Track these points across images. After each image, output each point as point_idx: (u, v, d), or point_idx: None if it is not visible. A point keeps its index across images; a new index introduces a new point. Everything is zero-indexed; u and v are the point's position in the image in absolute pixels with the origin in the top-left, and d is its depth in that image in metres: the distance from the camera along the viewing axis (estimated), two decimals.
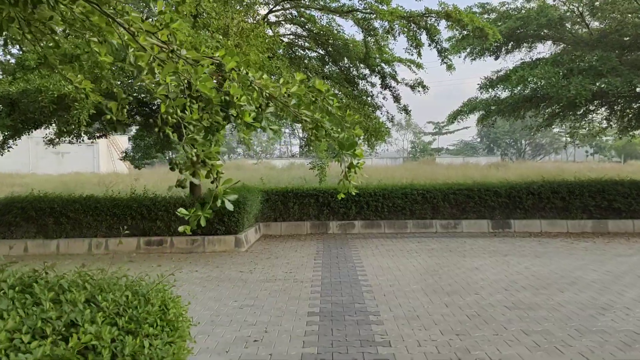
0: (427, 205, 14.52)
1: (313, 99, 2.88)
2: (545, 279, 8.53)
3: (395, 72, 14.74)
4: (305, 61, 14.47)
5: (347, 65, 14.73)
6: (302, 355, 5.24)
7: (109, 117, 2.39)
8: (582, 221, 14.16)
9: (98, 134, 13.33)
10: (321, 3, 13.28)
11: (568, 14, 15.60)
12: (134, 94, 11.02)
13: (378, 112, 14.95)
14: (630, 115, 16.28)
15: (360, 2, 12.81)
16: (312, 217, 14.60)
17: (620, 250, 11.21)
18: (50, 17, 2.76)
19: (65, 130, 11.01)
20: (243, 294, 7.83)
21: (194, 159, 2.17)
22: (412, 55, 13.58)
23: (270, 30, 12.68)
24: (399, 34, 12.90)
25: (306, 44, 14.86)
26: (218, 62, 2.57)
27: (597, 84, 13.53)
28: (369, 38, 13.60)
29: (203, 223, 2.25)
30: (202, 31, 9.01)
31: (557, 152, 76.20)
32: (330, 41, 13.93)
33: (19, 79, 8.46)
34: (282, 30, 14.96)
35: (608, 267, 9.44)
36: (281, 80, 2.80)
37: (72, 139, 12.57)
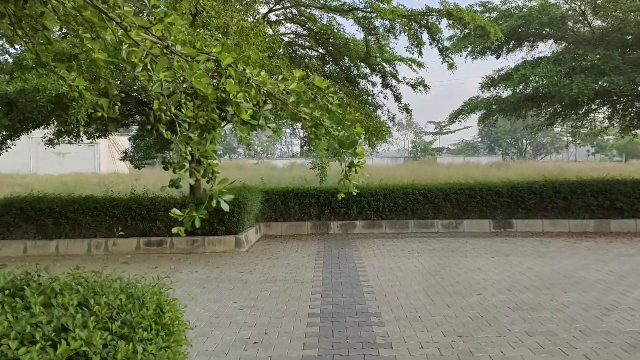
0: (428, 205, 14.45)
1: (312, 97, 2.80)
2: (548, 279, 8.45)
3: (396, 71, 14.69)
4: (306, 60, 14.40)
5: (347, 65, 14.66)
6: (303, 357, 5.17)
7: (99, 114, 2.31)
8: (584, 221, 14.07)
9: (97, 134, 13.26)
10: (321, 2, 13.20)
11: (570, 12, 15.52)
12: (134, 94, 10.95)
13: (379, 112, 14.90)
14: (632, 114, 16.19)
15: (360, 0, 12.75)
16: (312, 217, 14.52)
17: (622, 250, 11.13)
18: (42, 12, 2.69)
19: (63, 130, 10.95)
20: (243, 294, 7.75)
21: (189, 157, 2.10)
22: (413, 54, 13.53)
23: (270, 29, 12.61)
24: (399, 33, 12.84)
25: (306, 43, 14.79)
26: (214, 58, 2.50)
27: (600, 83, 13.45)
28: (370, 37, 13.53)
29: (197, 224, 2.17)
30: (201, 30, 8.94)
31: (558, 152, 76.11)
32: (330, 40, 13.86)
33: (17, 79, 8.39)
34: (282, 29, 14.89)
35: (611, 267, 9.35)
36: (280, 77, 2.72)
37: (72, 139, 12.51)
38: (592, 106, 16.34)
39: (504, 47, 16.23)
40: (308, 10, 13.69)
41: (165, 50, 2.37)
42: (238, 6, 11.15)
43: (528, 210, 14.26)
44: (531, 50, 16.63)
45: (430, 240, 12.97)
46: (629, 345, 5.35)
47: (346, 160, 2.81)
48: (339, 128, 2.80)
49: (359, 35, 14.98)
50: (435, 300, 7.24)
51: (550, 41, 16.59)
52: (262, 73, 2.64)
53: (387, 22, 12.50)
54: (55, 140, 12.59)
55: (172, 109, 2.21)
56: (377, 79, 14.95)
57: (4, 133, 10.67)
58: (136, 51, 2.20)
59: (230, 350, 5.38)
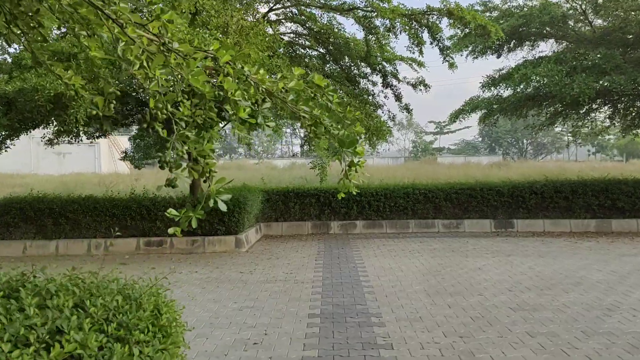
0: (429, 205, 14.41)
1: (312, 95, 2.76)
2: (549, 279, 8.40)
3: (397, 70, 14.64)
4: (306, 60, 14.36)
5: (348, 64, 14.62)
6: (303, 358, 5.13)
7: (94, 112, 2.27)
8: (585, 220, 14.02)
9: (97, 134, 13.22)
10: (322, 1, 13.16)
11: (571, 11, 15.48)
12: (133, 94, 10.91)
13: (379, 111, 14.83)
14: (633, 114, 16.14)
15: (361, 0, 12.70)
16: (313, 217, 14.49)
17: (624, 250, 11.08)
18: (37, 9, 2.65)
19: (63, 129, 10.91)
20: (243, 295, 7.72)
21: (185, 156, 2.06)
22: (413, 53, 13.47)
23: (270, 29, 12.58)
24: (400, 32, 12.79)
25: (307, 43, 14.75)
26: (212, 55, 2.46)
27: (601, 82, 13.40)
28: (370, 36, 13.49)
29: (194, 224, 2.13)
30: (200, 29, 8.90)
31: (559, 152, 76.04)
32: (331, 40, 13.82)
33: (16, 78, 8.36)
34: (282, 29, 14.85)
35: (612, 267, 9.31)
36: (279, 75, 2.68)
37: (71, 138, 12.47)
38: (593, 106, 16.29)
39: (505, 47, 16.18)
40: (308, 10, 13.65)
41: (162, 48, 2.34)
42: (238, 5, 11.11)
43: (529, 210, 14.22)
44: (532, 49, 16.59)
45: (431, 240, 12.93)
46: (632, 346, 5.31)
47: (346, 159, 2.78)
48: (339, 127, 2.77)
49: (360, 34, 14.96)
50: (436, 301, 7.19)
51: (551, 40, 16.55)
52: (261, 71, 2.60)
53: (387, 22, 12.45)
54: (55, 140, 12.55)
55: (169, 107, 2.17)
56: (377, 78, 14.91)
57: (3, 133, 10.64)
58: (132, 48, 2.16)
59: (229, 351, 5.34)
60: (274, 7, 13.55)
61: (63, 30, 8.54)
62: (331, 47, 14.08)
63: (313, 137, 2.80)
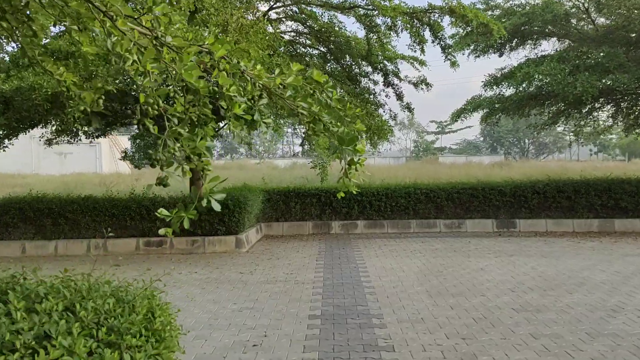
0: (430, 205, 14.31)
1: (311, 91, 2.68)
2: (552, 279, 8.31)
3: (398, 69, 14.53)
4: (307, 58, 14.26)
5: (349, 63, 14.51)
6: None
7: (82, 108, 2.19)
8: (588, 220, 13.92)
9: (97, 134, 13.14)
10: None
11: (573, 10, 15.37)
12: (132, 92, 10.82)
13: (381, 110, 14.73)
14: (636, 113, 16.02)
15: None
16: (314, 217, 14.40)
17: (627, 250, 10.98)
18: (26, 2, 2.57)
19: (61, 129, 10.83)
20: (243, 296, 7.63)
21: (178, 154, 1.97)
22: (415, 52, 13.36)
23: (270, 27, 12.48)
24: (401, 31, 12.67)
25: (307, 41, 14.66)
26: (207, 50, 2.38)
27: (604, 81, 13.29)
28: (371, 35, 13.38)
29: (186, 225, 2.04)
30: (199, 28, 8.81)
31: (561, 151, 75.83)
32: (331, 38, 13.71)
33: (13, 77, 8.28)
34: (283, 28, 14.76)
35: (616, 267, 9.22)
36: (277, 71, 2.60)
37: (71, 138, 12.39)
38: (596, 105, 16.17)
39: (507, 45, 16.07)
40: (309, 8, 13.55)
41: (154, 42, 2.25)
42: (238, 4, 11.02)
43: (531, 209, 14.12)
44: (534, 48, 16.47)
45: (432, 240, 12.83)
46: (637, 348, 5.22)
47: (346, 157, 2.69)
48: (339, 124, 2.68)
49: (361, 33, 14.82)
50: (438, 302, 7.11)
51: (554, 39, 16.44)
52: (258, 66, 2.51)
53: (388, 20, 12.33)
54: (54, 140, 12.47)
55: (161, 102, 2.08)
56: (378, 77, 14.80)
57: (1, 132, 10.57)
58: (122, 42, 2.08)
59: (228, 354, 5.26)
60: (274, 6, 13.45)
61: (62, 28, 8.45)
62: (332, 46, 13.98)
63: (312, 135, 2.71)
